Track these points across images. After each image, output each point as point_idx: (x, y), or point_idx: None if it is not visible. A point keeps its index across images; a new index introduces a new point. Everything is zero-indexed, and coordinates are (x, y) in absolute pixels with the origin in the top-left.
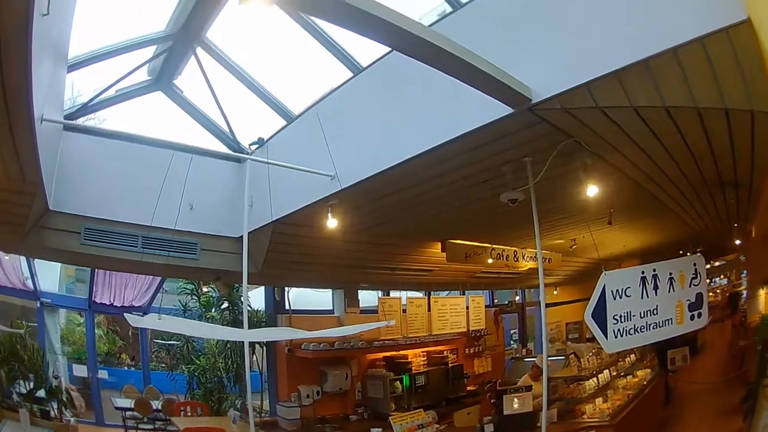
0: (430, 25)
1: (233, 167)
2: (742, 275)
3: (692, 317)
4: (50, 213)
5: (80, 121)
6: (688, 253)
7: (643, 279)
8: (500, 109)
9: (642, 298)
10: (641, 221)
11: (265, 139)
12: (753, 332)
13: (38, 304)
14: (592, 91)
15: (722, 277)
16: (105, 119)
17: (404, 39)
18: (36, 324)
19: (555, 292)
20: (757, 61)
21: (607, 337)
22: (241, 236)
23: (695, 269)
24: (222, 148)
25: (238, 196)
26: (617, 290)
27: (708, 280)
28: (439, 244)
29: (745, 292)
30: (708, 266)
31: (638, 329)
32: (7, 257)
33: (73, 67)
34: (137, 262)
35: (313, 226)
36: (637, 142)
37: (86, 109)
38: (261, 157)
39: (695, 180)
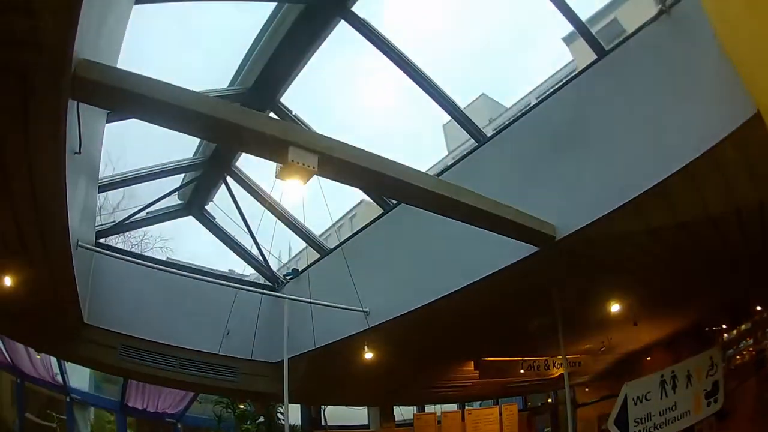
0: (456, 162)
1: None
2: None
3: (708, 404)
4: (86, 326)
5: (112, 239)
6: (714, 328)
7: (663, 382)
8: (525, 249)
9: (661, 398)
10: (665, 313)
11: (300, 270)
12: None
13: (68, 399)
14: (611, 221)
15: (749, 339)
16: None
17: (422, 196)
18: (65, 417)
19: (586, 390)
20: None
21: None
22: (278, 361)
23: (711, 361)
24: (250, 269)
25: (274, 323)
26: (638, 397)
27: (736, 345)
28: (472, 362)
29: None
30: (735, 331)
31: (657, 426)
32: (38, 356)
33: (104, 188)
34: (174, 380)
35: (349, 353)
36: (653, 255)
37: (119, 227)
38: (296, 287)
39: (711, 269)
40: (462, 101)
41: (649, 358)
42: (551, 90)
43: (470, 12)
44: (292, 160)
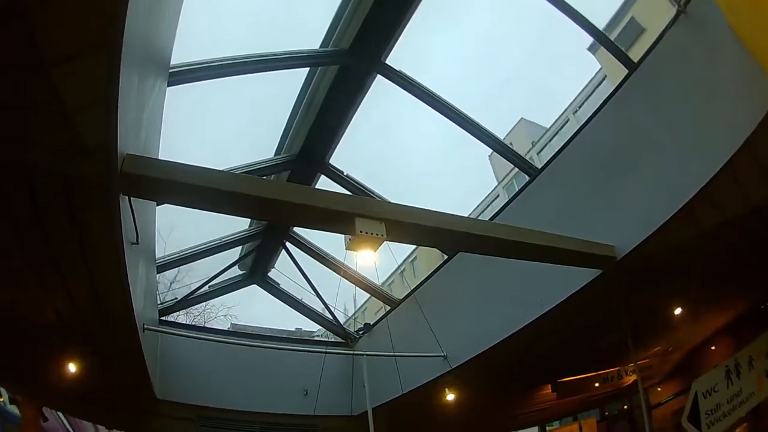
0: (512, 199)
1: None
2: None
3: None
4: (159, 401)
5: (175, 314)
6: None
7: (728, 372)
8: (590, 273)
9: (728, 387)
10: (723, 302)
11: (372, 324)
12: None
13: None
14: (666, 231)
15: None
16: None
17: (488, 244)
18: None
19: (659, 389)
20: None
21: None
22: (358, 414)
23: None
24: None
25: (348, 377)
26: (707, 390)
27: None
28: (549, 386)
29: None
30: None
31: (726, 413)
32: None
33: (162, 268)
34: None
35: (430, 396)
36: (708, 255)
37: (183, 303)
38: (369, 340)
39: (764, 255)
40: (503, 129)
41: (713, 347)
42: (585, 100)
43: (496, 41)
44: (360, 231)
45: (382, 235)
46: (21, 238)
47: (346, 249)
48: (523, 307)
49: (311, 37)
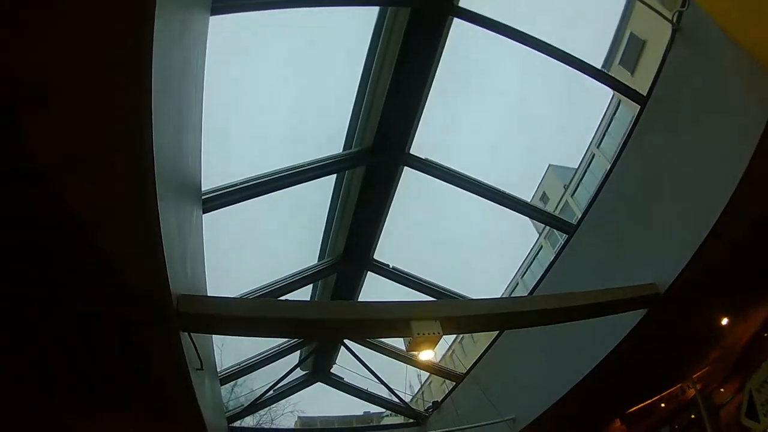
0: (555, 260)
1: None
2: None
3: None
4: None
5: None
6: None
7: None
8: (638, 313)
9: None
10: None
11: (440, 402)
12: None
13: None
14: (702, 254)
15: None
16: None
17: (539, 318)
18: None
19: (722, 390)
20: None
21: (759, 422)
22: None
23: None
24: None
25: None
26: (760, 385)
27: None
28: (618, 419)
29: None
30: None
31: None
32: None
33: (225, 380)
34: None
35: None
36: (742, 262)
37: (251, 408)
38: (438, 416)
39: None
40: (533, 181)
41: (766, 334)
42: (606, 131)
43: (512, 98)
44: (418, 333)
45: (439, 333)
46: (84, 377)
47: (407, 351)
48: (581, 356)
49: (333, 139)
